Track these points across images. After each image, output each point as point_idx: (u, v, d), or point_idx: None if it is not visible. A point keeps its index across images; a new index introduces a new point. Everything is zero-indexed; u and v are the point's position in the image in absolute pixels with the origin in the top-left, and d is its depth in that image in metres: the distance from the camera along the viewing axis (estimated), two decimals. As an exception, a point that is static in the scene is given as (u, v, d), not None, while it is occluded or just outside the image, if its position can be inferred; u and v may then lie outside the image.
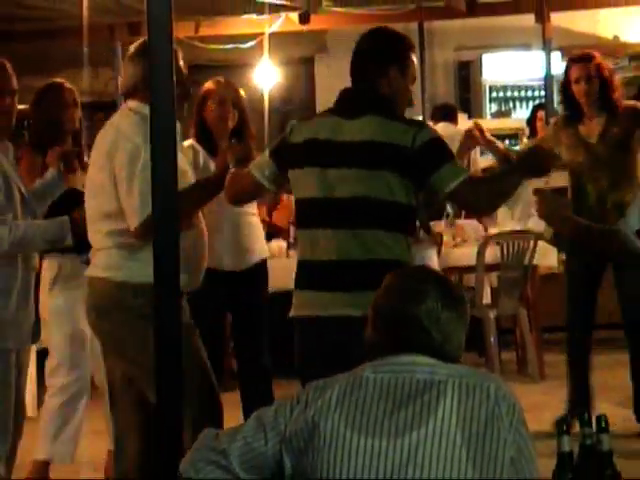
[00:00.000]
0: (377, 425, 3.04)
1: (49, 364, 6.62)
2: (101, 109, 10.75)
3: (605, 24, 13.17)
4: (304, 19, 11.19)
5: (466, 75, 13.98)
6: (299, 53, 12.94)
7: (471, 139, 6.91)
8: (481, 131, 7.14)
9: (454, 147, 8.96)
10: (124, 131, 5.16)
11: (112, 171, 5.10)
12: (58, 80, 6.77)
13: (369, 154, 4.73)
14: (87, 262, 5.58)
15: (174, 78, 3.67)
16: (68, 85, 6.69)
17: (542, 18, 11.69)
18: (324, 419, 3.07)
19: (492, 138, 7.46)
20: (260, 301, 7.08)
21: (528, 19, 11.81)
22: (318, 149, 4.85)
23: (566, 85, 7.27)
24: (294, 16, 11.12)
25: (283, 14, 11.02)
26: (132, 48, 5.50)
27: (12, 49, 11.78)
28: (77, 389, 6.50)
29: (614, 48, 13.17)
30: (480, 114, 13.48)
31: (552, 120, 7.72)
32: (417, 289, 3.26)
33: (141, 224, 4.99)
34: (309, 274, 4.82)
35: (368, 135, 4.74)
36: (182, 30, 10.43)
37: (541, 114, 12.02)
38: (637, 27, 12.90)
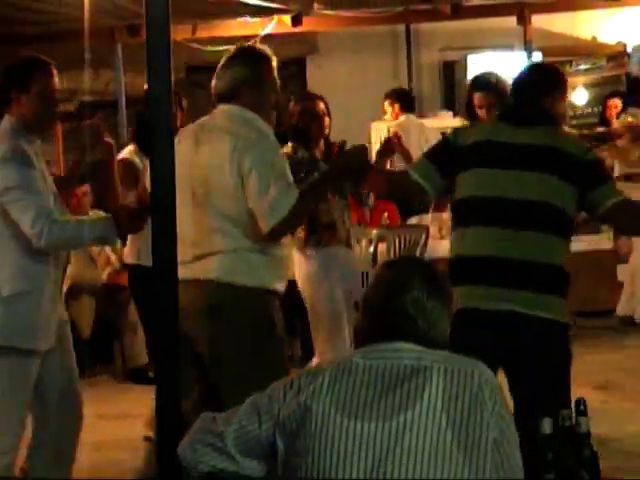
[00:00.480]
0: (366, 409, 3.06)
1: None
2: (102, 108, 10.79)
3: (583, 26, 13.18)
4: (296, 21, 11.21)
5: (451, 75, 13.98)
6: (291, 54, 12.91)
7: (389, 146, 6.92)
8: (399, 139, 7.58)
9: (410, 139, 9.07)
10: (245, 135, 5.00)
11: (239, 174, 4.89)
12: None
13: (549, 159, 4.77)
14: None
15: (172, 78, 3.68)
16: None
17: (523, 20, 11.73)
18: (316, 403, 3.08)
19: (406, 149, 8.11)
20: None
21: (510, 21, 11.84)
22: (494, 150, 4.86)
23: (469, 102, 7.54)
24: (287, 18, 11.13)
25: (276, 17, 11.03)
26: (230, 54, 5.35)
27: (16, 51, 11.79)
28: None
29: (592, 48, 13.18)
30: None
31: None
32: (403, 280, 3.27)
33: (275, 226, 4.86)
34: (479, 269, 4.80)
35: (549, 141, 4.80)
36: (179, 32, 10.43)
37: None
38: (614, 28, 12.90)
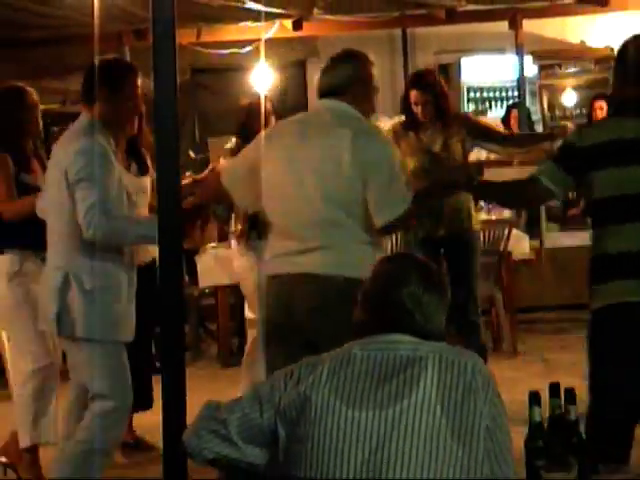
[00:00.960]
0: (364, 398, 3.06)
1: (13, 353, 6.45)
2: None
3: (572, 30, 13.17)
4: (297, 26, 11.21)
5: (446, 77, 13.95)
6: (292, 57, 12.93)
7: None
8: None
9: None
10: (368, 130, 4.96)
11: (362, 166, 4.78)
12: (18, 84, 6.67)
13: None
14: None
15: (177, 80, 3.68)
16: (28, 88, 6.51)
17: (515, 25, 11.72)
18: (315, 392, 3.09)
19: None
20: None
21: (502, 26, 11.83)
22: (625, 148, 4.73)
23: (406, 98, 7.56)
24: (288, 23, 11.13)
25: (277, 21, 11.03)
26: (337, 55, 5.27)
27: (29, 55, 11.79)
28: (47, 373, 6.22)
29: (581, 52, 13.20)
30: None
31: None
32: (401, 275, 3.28)
33: (391, 221, 4.78)
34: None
35: None
36: (185, 36, 10.42)
37: (515, 113, 12.04)
38: (601, 33, 12.91)
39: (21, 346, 6.25)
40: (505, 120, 11.87)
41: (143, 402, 6.65)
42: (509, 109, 12.41)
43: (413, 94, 7.48)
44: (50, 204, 5.30)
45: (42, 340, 6.07)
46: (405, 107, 7.61)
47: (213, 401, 3.35)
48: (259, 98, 7.70)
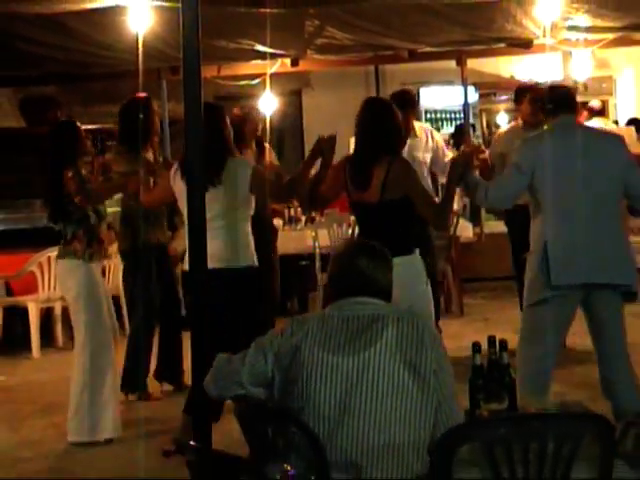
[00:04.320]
0: (340, 347, 3.07)
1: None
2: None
3: (504, 67, 13.16)
4: (294, 63, 11.18)
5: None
6: (291, 88, 12.88)
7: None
8: None
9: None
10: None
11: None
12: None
13: None
14: None
15: (202, 106, 3.66)
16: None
17: (461, 63, 11.69)
18: (303, 343, 3.10)
19: None
20: None
21: (451, 63, 11.81)
22: None
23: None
24: (287, 61, 11.11)
25: (279, 60, 11.01)
26: None
27: (90, 87, 11.79)
28: None
29: (511, 84, 13.13)
30: (418, 130, 13.53)
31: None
32: (352, 252, 3.31)
33: None
34: None
35: None
36: (208, 71, 10.35)
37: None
38: (526, 69, 12.90)
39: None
40: (454, 135, 11.83)
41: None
42: (458, 128, 12.36)
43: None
44: None
45: None
46: None
47: (223, 355, 3.34)
48: (248, 109, 7.59)
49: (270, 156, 7.42)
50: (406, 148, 7.32)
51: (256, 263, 5.34)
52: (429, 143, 7.55)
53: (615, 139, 5.25)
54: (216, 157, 5.19)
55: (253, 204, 5.37)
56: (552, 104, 5.12)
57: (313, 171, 5.24)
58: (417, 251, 4.95)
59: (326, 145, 5.15)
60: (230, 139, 5.40)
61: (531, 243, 5.05)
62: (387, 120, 5.05)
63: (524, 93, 7.69)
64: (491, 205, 5.90)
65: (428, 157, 7.53)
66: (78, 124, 6.18)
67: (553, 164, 4.85)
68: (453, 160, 5.27)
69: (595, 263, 4.83)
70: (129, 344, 6.60)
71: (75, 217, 5.86)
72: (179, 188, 5.17)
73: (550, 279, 4.83)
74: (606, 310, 4.93)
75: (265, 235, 6.70)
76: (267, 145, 7.57)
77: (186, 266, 5.01)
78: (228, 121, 5.46)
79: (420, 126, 7.87)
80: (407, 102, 7.23)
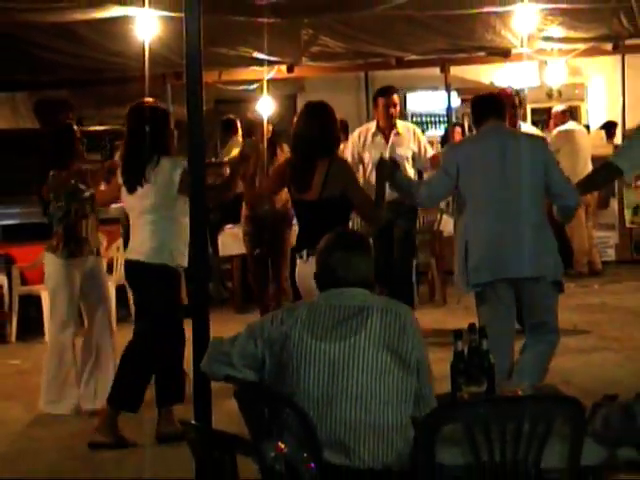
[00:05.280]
0: (328, 334, 3.06)
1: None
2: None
3: (485, 74, 13.14)
4: (290, 70, 11.19)
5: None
6: (287, 92, 12.85)
7: None
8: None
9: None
10: None
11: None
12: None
13: None
14: None
15: (203, 108, 3.64)
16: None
17: (444, 70, 11.70)
18: (293, 330, 3.08)
19: None
20: None
21: (435, 70, 11.81)
22: None
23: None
24: (283, 68, 11.11)
25: (276, 66, 11.01)
26: None
27: (100, 90, 11.77)
28: None
29: (490, 90, 13.15)
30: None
31: None
32: (333, 246, 3.26)
33: None
34: None
35: None
36: (210, 76, 10.33)
37: (458, 129, 11.89)
38: (504, 76, 12.89)
39: None
40: (445, 137, 11.75)
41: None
42: (448, 129, 12.29)
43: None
44: None
45: None
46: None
47: (217, 338, 3.33)
48: (259, 114, 7.66)
49: (283, 156, 7.39)
50: (389, 143, 7.48)
51: (175, 263, 5.18)
52: (411, 141, 7.65)
53: (536, 140, 5.35)
54: (147, 157, 5.15)
55: (181, 206, 4.98)
56: (477, 111, 5.18)
57: None
58: None
59: (249, 149, 5.61)
60: (169, 140, 5.30)
61: (455, 242, 5.09)
62: (322, 124, 5.00)
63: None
64: (422, 204, 5.92)
65: (409, 153, 7.63)
66: (75, 128, 6.19)
67: (472, 165, 4.86)
68: (380, 160, 5.26)
69: (514, 257, 4.80)
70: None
71: (57, 215, 5.92)
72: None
73: (469, 277, 4.85)
74: (532, 299, 4.89)
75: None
76: (284, 146, 7.51)
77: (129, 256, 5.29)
78: (172, 124, 5.40)
79: (404, 125, 7.97)
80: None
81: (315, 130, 4.96)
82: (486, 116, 5.08)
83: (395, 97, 7.61)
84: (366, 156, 7.51)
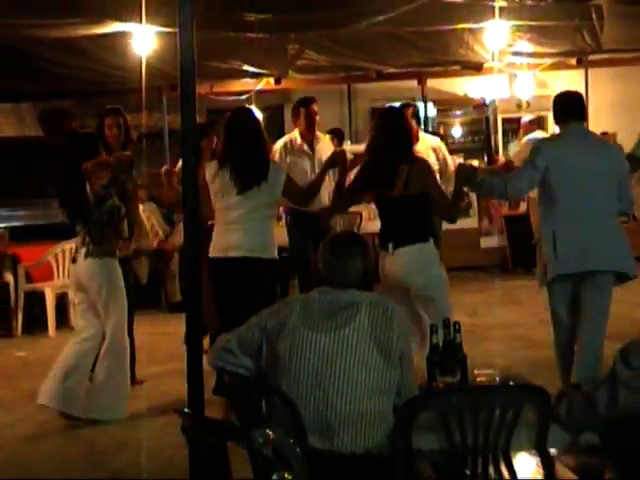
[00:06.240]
0: (320, 325, 3.06)
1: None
2: (153, 137, 10.78)
3: (459, 86, 13.16)
4: (277, 82, 11.19)
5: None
6: (274, 103, 12.87)
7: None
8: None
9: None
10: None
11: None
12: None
13: None
14: None
15: (196, 118, 3.63)
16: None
17: (422, 82, 11.74)
18: (289, 320, 3.09)
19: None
20: None
21: (413, 83, 11.85)
22: None
23: None
24: (271, 80, 11.12)
25: (264, 79, 11.01)
26: None
27: (101, 101, 11.69)
28: None
29: (464, 101, 13.21)
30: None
31: None
32: (326, 251, 3.24)
33: None
34: None
35: None
36: (202, 88, 10.33)
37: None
38: (477, 88, 12.93)
39: None
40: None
41: None
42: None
43: None
44: None
45: None
46: None
47: (225, 334, 3.31)
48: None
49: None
50: (315, 151, 7.08)
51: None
52: (433, 160, 7.21)
53: (617, 148, 5.43)
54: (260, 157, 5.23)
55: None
56: (560, 109, 5.13)
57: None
58: (432, 240, 4.97)
59: (338, 158, 5.30)
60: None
61: (541, 232, 4.98)
62: (398, 129, 5.06)
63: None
64: (509, 195, 5.74)
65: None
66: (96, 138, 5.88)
67: (563, 164, 4.80)
68: (460, 165, 5.34)
69: (596, 253, 4.78)
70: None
71: (100, 218, 5.49)
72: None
73: (557, 266, 4.77)
74: (590, 291, 4.80)
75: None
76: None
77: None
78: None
79: (427, 144, 7.68)
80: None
81: (399, 135, 5.02)
82: (570, 116, 5.00)
83: (315, 107, 7.28)
84: (295, 163, 7.05)
